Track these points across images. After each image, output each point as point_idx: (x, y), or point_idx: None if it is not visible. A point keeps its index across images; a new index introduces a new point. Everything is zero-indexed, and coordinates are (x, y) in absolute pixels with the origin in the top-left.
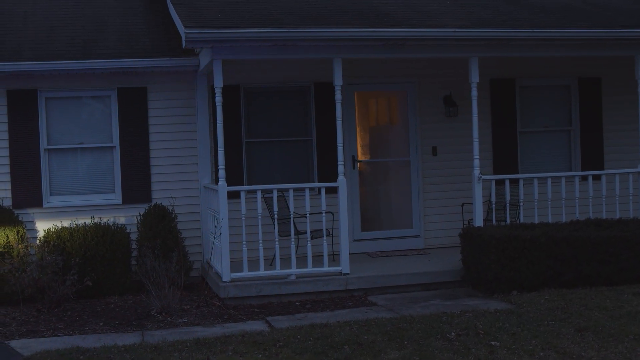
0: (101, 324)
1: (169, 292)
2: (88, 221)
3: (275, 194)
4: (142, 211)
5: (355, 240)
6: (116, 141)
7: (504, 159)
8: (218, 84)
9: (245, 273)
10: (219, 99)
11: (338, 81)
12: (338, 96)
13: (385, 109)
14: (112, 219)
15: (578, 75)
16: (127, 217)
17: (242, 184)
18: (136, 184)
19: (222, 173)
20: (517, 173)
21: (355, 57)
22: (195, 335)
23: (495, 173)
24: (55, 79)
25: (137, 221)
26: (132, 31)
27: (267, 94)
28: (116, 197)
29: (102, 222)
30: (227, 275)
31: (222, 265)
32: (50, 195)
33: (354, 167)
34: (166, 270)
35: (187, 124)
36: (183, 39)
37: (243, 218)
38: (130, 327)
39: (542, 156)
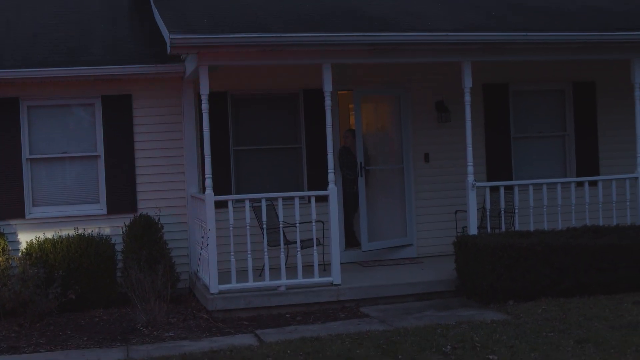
0: (85, 338)
1: (154, 305)
2: (72, 232)
3: (263, 203)
4: (127, 221)
5: (346, 249)
6: (100, 150)
7: (497, 165)
8: (204, 90)
9: (234, 285)
10: (205, 106)
11: (328, 87)
12: (328, 102)
13: (378, 115)
14: (97, 230)
15: (572, 80)
16: (112, 228)
17: (231, 193)
18: (121, 194)
19: (209, 182)
20: (511, 179)
21: (344, 62)
22: (182, 350)
23: (489, 179)
24: (38, 87)
25: (123, 232)
26: (117, 37)
27: (256, 100)
28: (101, 208)
29: (86, 233)
30: (214, 287)
31: (209, 277)
32: (33, 206)
33: (361, 175)
34: (152, 283)
35: (173, 132)
36: (168, 44)
37: (231, 228)
38: (115, 342)
39: (536, 162)
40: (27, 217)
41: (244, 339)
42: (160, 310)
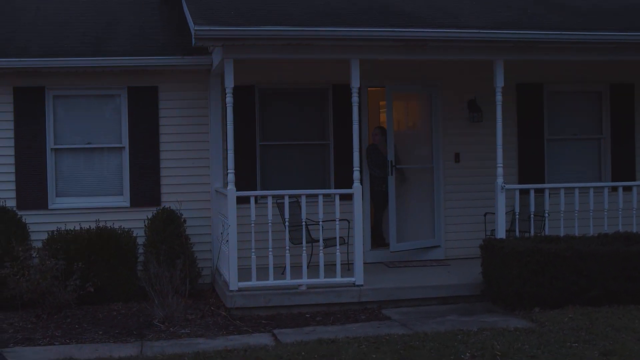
0: (100, 332)
1: (172, 301)
2: (94, 224)
3: (286, 200)
4: (150, 215)
5: (372, 249)
6: (125, 142)
7: (530, 167)
8: (229, 84)
9: (254, 282)
10: (229, 100)
11: (355, 83)
12: (355, 98)
13: (409, 113)
14: (119, 223)
15: (610, 81)
16: (135, 221)
17: (255, 189)
18: (145, 187)
19: (231, 177)
20: (544, 182)
21: (373, 58)
22: (196, 348)
23: (520, 182)
24: (64, 77)
25: (145, 225)
26: (145, 28)
27: (284, 95)
28: (124, 200)
29: (109, 226)
30: (234, 284)
31: (229, 274)
32: (56, 196)
33: (391, 174)
34: (170, 278)
35: (199, 125)
36: (192, 36)
37: (252, 224)
38: (130, 337)
39: (570, 165)
40: (49, 207)
41: (261, 339)
42: (177, 306)
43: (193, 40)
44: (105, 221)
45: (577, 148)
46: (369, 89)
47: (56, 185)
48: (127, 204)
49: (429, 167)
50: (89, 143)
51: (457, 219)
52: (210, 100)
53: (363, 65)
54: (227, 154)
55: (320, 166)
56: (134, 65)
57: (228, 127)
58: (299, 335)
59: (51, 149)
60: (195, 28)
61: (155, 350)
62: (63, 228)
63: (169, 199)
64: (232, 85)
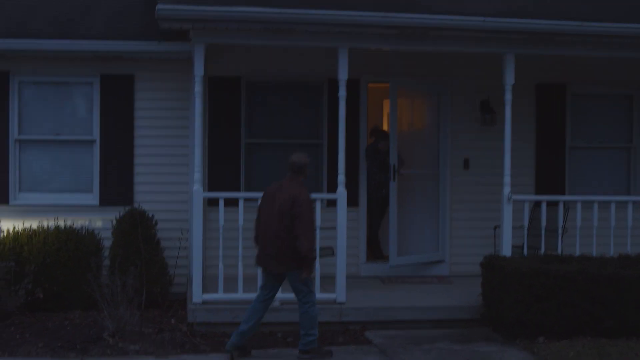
0: (41, 345)
1: (124, 312)
2: (61, 223)
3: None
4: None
5: (367, 262)
6: (96, 134)
7: (548, 177)
8: (198, 71)
9: (220, 295)
10: (198, 89)
11: (343, 75)
12: (342, 92)
13: (414, 112)
14: (87, 222)
15: None
16: (104, 221)
17: (239, 190)
18: (117, 184)
19: (197, 176)
20: (564, 194)
21: (363, 47)
22: None
23: (537, 193)
24: (31, 61)
25: (112, 225)
26: (124, 13)
27: (274, 89)
28: (93, 198)
29: (75, 225)
30: (197, 295)
31: (192, 284)
32: (19, 191)
33: (393, 179)
34: (122, 286)
35: (179, 119)
36: (155, 16)
37: (221, 230)
38: (71, 352)
39: (594, 177)
40: (11, 203)
41: None
42: (131, 318)
43: (158, 21)
44: (73, 220)
45: (603, 157)
46: (370, 85)
47: (20, 180)
48: (96, 202)
49: (435, 172)
50: (57, 135)
51: (464, 232)
52: (191, 92)
53: (363, 58)
54: (208, 151)
55: (313, 168)
56: (107, 51)
57: (196, 120)
58: (260, 359)
59: (15, 139)
60: (159, 7)
61: None
62: (27, 226)
63: (142, 199)
64: (202, 74)
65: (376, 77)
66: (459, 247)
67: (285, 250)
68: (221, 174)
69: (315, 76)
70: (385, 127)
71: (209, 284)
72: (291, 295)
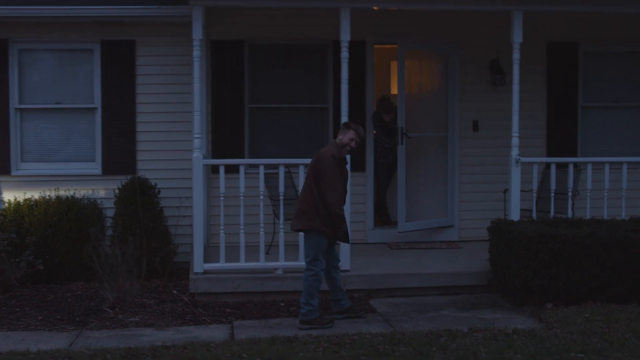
0: (40, 318)
1: (124, 283)
2: (63, 193)
3: (261, 170)
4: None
5: (374, 227)
6: (98, 102)
7: (560, 139)
8: (197, 35)
9: (222, 264)
10: (196, 53)
11: (345, 35)
12: (344, 54)
13: (422, 74)
14: (90, 192)
15: None
16: (106, 190)
17: (243, 157)
18: (119, 153)
19: (197, 142)
20: (576, 156)
21: (365, 7)
22: (135, 342)
23: (549, 155)
24: (30, 28)
25: (114, 195)
26: None
27: (278, 52)
28: (96, 167)
29: (77, 195)
30: (199, 265)
31: (193, 253)
32: (21, 161)
33: (401, 143)
34: (122, 256)
35: (181, 85)
36: None
37: (222, 198)
38: (70, 325)
39: (608, 137)
40: (12, 173)
41: (216, 332)
42: (131, 289)
43: None
44: (76, 190)
45: (618, 117)
46: (377, 46)
47: (21, 150)
48: (99, 171)
49: (443, 135)
50: (58, 103)
51: (473, 196)
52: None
53: (368, 19)
54: (211, 117)
55: (319, 132)
56: (108, 16)
57: (194, 84)
58: (259, 329)
59: (15, 108)
60: None
61: (88, 343)
62: (29, 197)
63: (145, 167)
64: (200, 37)
65: (383, 39)
66: (469, 211)
67: (303, 206)
68: (225, 139)
69: (320, 38)
70: (393, 89)
71: (213, 253)
72: (294, 263)
